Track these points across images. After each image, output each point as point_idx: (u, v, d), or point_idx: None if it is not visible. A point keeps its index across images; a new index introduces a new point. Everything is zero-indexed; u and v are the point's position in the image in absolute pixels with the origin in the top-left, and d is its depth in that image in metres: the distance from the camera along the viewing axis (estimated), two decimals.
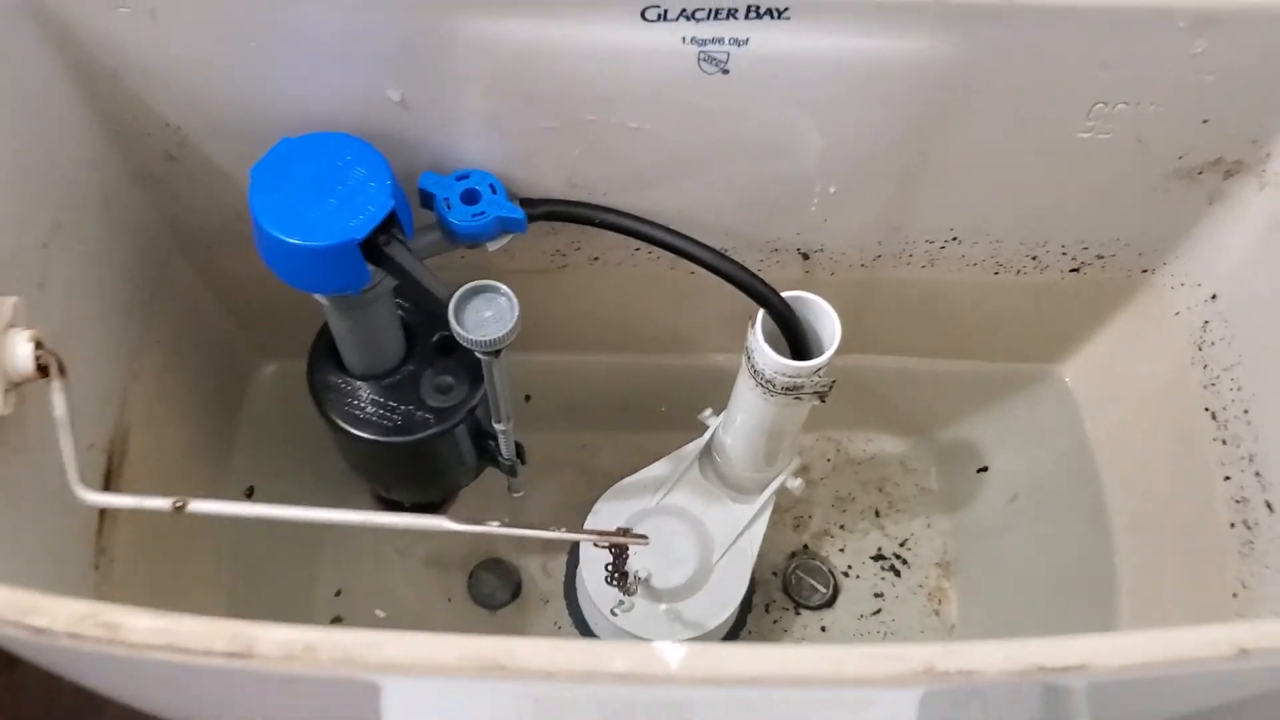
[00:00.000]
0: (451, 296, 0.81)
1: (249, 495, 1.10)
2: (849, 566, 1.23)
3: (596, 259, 1.00)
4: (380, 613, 1.17)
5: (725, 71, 0.80)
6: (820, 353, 0.90)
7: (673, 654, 0.50)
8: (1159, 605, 1.01)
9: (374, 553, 1.20)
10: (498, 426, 0.95)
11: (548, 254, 0.99)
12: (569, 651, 0.50)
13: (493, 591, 1.20)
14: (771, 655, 0.50)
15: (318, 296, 0.85)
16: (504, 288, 0.81)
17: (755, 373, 0.92)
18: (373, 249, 0.79)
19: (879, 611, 1.21)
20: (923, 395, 1.22)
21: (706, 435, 1.09)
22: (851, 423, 1.27)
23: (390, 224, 0.80)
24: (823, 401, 0.93)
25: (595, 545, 0.85)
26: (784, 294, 0.89)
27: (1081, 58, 0.80)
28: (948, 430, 1.25)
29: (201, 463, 1.04)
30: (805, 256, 0.99)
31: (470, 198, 0.87)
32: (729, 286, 0.87)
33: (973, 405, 1.22)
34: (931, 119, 0.84)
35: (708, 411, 1.09)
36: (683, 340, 1.14)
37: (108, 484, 0.87)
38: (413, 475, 1.04)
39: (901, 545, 1.24)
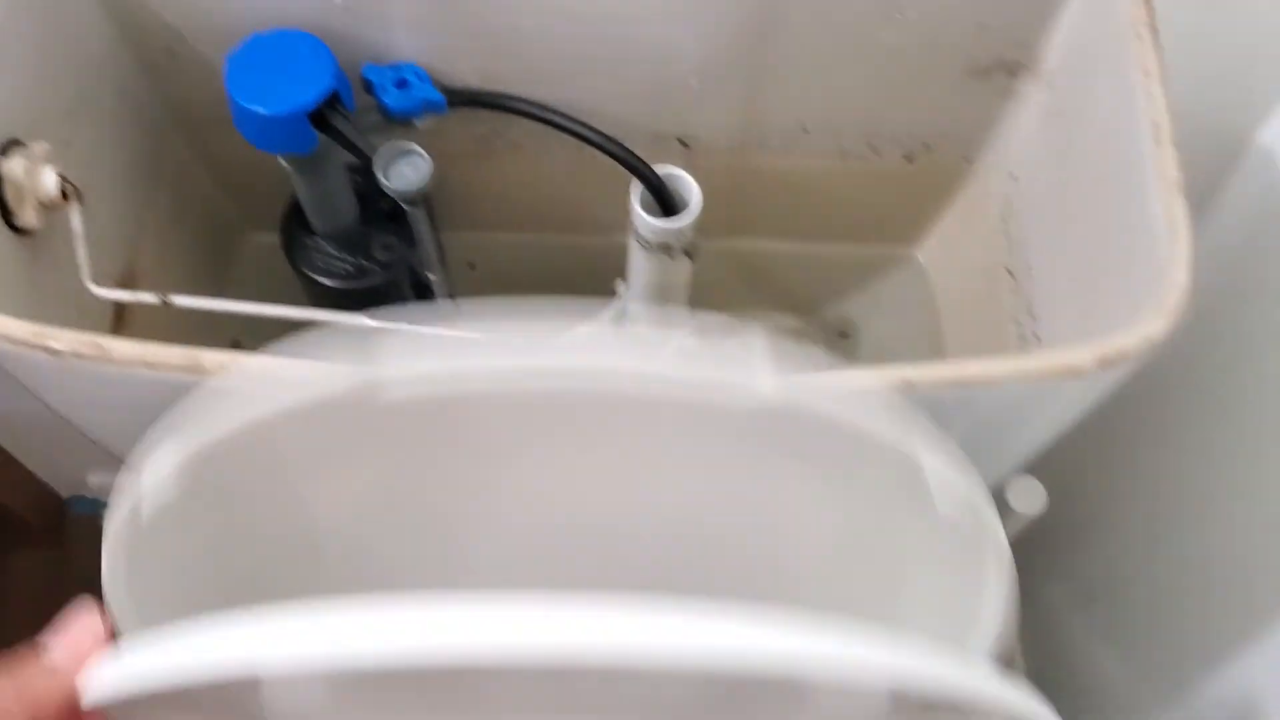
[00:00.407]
0: (378, 156, 1.05)
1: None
2: None
3: (518, 145, 1.22)
4: None
5: None
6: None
7: None
8: None
9: None
10: (429, 275, 1.19)
11: (474, 139, 1.19)
12: None
13: None
14: None
15: (281, 161, 1.09)
16: (420, 150, 1.05)
17: (637, 235, 1.15)
18: (318, 117, 1.03)
19: None
20: (805, 275, 1.30)
21: (619, 295, 1.32)
22: (751, 303, 1.48)
23: (333, 100, 1.04)
24: (691, 259, 1.16)
25: None
26: (655, 167, 1.11)
27: None
28: (833, 308, 1.46)
29: (195, 312, 1.28)
30: (685, 145, 1.17)
31: (401, 84, 1.11)
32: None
33: (848, 285, 1.31)
34: (767, 17, 0.98)
35: (619, 281, 1.32)
36: (605, 223, 1.35)
37: (118, 315, 1.12)
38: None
39: None
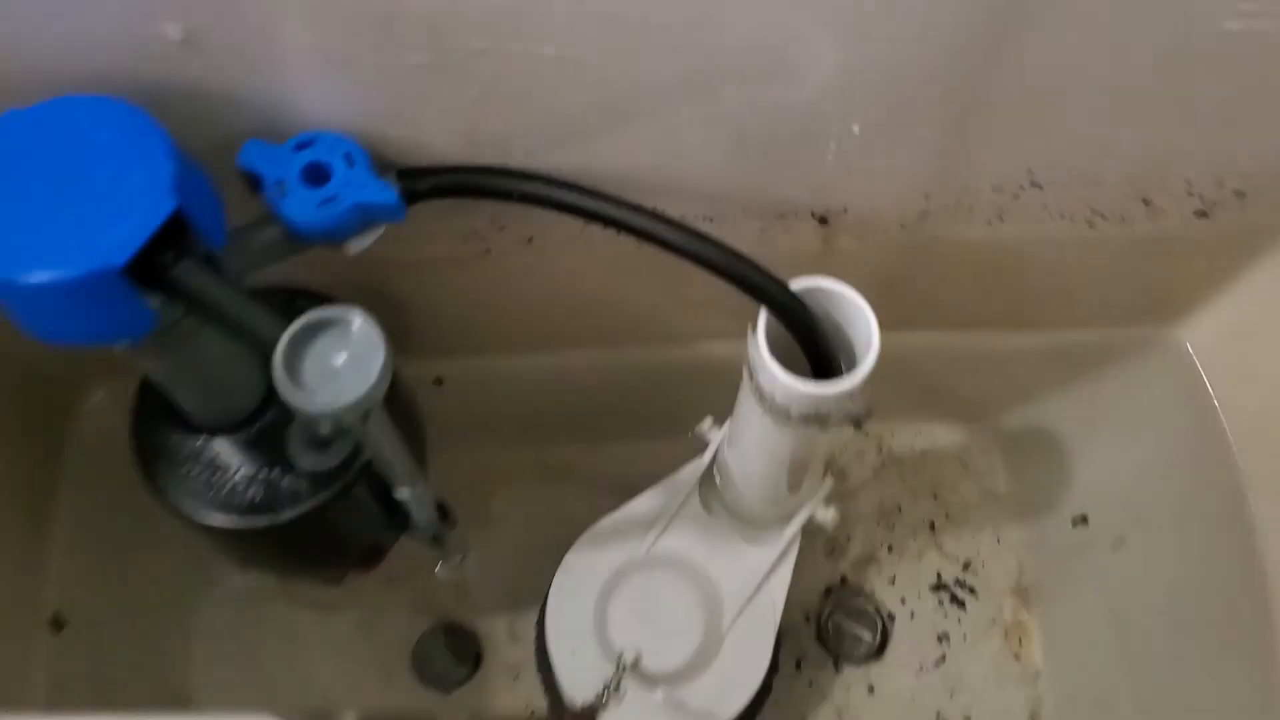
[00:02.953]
0: (280, 337, 0.52)
1: (56, 628, 0.83)
2: (902, 601, 0.95)
3: (530, 240, 0.72)
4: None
5: None
6: (849, 364, 0.65)
7: None
8: None
9: (287, 624, 0.92)
10: (400, 494, 0.67)
11: (459, 238, 0.72)
12: None
13: (445, 669, 0.93)
14: None
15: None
16: (359, 315, 0.53)
17: (762, 397, 0.64)
18: (149, 273, 0.51)
19: (942, 660, 0.94)
20: (983, 374, 0.96)
21: (707, 455, 0.85)
22: (894, 412, 1.00)
23: (176, 233, 0.51)
24: (858, 428, 0.65)
25: None
26: (795, 283, 0.62)
27: None
28: (1018, 415, 0.99)
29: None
30: (823, 221, 0.71)
31: (316, 175, 0.58)
32: None
33: (1051, 383, 0.96)
34: (1008, 16, 0.57)
35: (707, 422, 0.84)
36: (665, 327, 0.86)
37: None
38: (294, 560, 0.77)
39: (966, 569, 0.97)
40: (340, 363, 0.54)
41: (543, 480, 1.00)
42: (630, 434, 1.00)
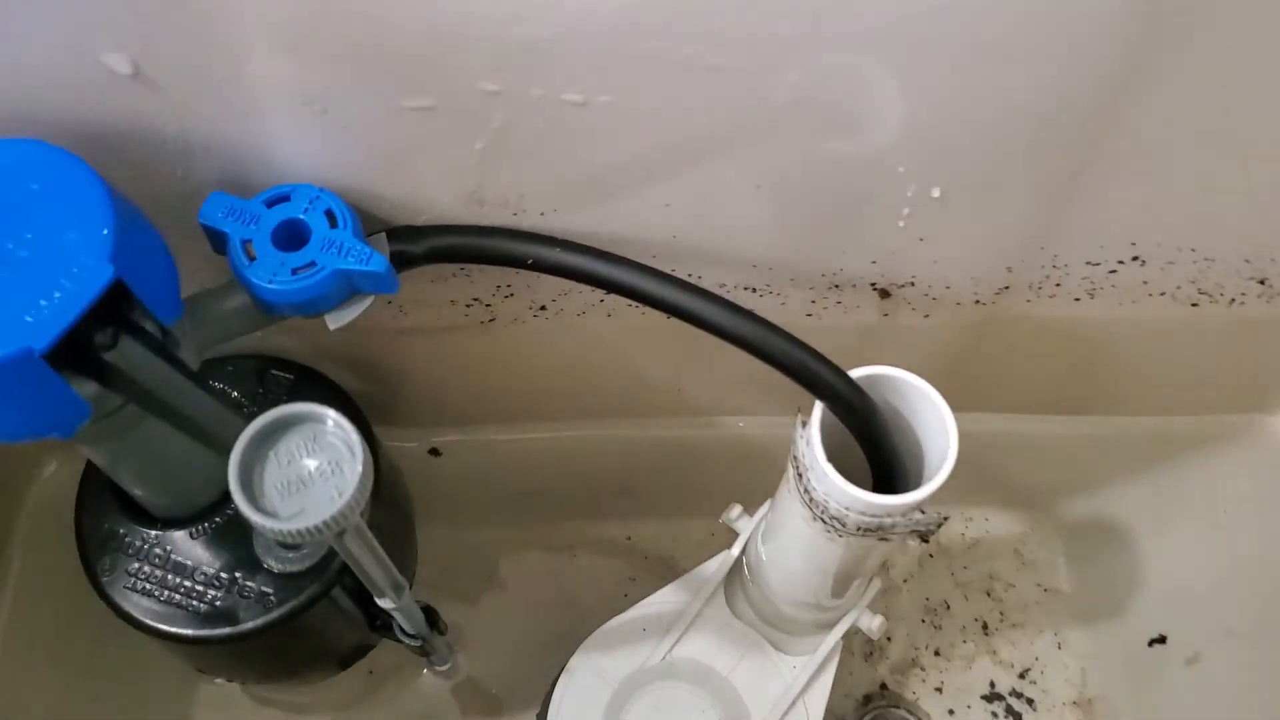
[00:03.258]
0: (237, 438, 0.42)
1: None
2: (949, 712, 0.85)
3: (543, 308, 0.63)
4: None
5: None
6: (919, 466, 0.57)
7: None
8: None
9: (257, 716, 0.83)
10: (383, 604, 0.57)
11: (459, 305, 0.62)
12: None
13: None
14: None
15: None
16: (333, 415, 0.43)
17: (812, 501, 0.55)
18: (81, 357, 0.41)
19: None
20: (1048, 460, 0.87)
21: (735, 549, 0.74)
22: (945, 496, 0.88)
23: (116, 307, 0.42)
24: (925, 541, 0.56)
25: None
26: (856, 372, 0.53)
27: None
28: (1081, 504, 0.89)
29: None
30: (885, 294, 0.61)
31: (292, 237, 0.49)
32: None
33: (1121, 471, 0.86)
34: (1121, 70, 0.48)
35: (735, 510, 0.74)
36: (690, 403, 0.77)
37: None
38: (259, 671, 0.67)
39: (1023, 677, 0.87)
40: (310, 470, 0.44)
41: (546, 563, 0.91)
42: (646, 514, 0.91)
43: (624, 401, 0.77)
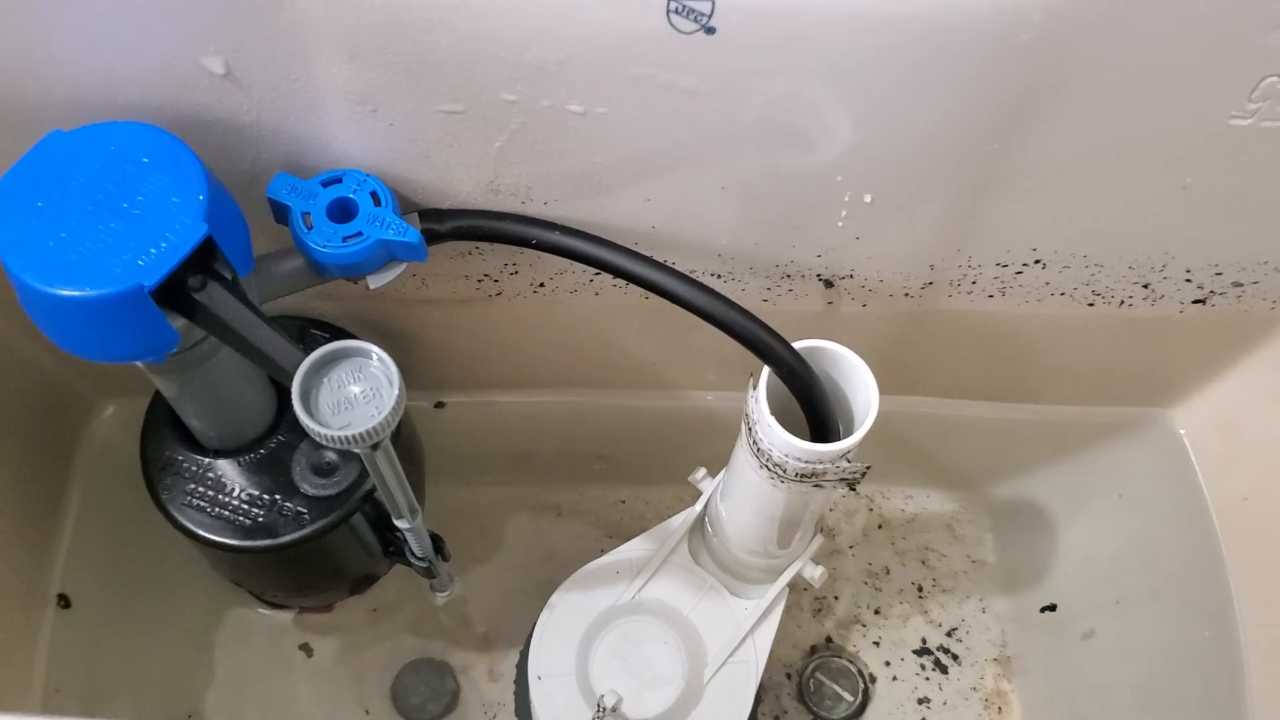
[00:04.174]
0: (298, 366, 0.53)
1: (63, 605, 0.84)
2: (885, 663, 0.96)
3: (542, 285, 0.74)
4: None
5: (709, 30, 0.53)
6: (847, 426, 0.65)
7: None
8: None
9: (271, 646, 0.93)
10: (399, 524, 0.68)
11: (472, 280, 0.73)
12: None
13: (422, 703, 0.93)
14: None
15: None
16: (377, 351, 0.54)
17: (759, 451, 0.66)
18: (178, 296, 0.52)
19: None
20: (977, 444, 0.97)
21: (698, 505, 0.84)
22: (887, 475, 1.01)
23: (205, 258, 0.53)
24: (852, 489, 0.67)
25: None
26: (799, 344, 0.64)
27: (1255, 11, 0.52)
28: (1008, 486, 0.99)
29: (18, 545, 0.78)
30: (829, 284, 0.72)
31: (343, 212, 0.60)
32: None
33: (1042, 456, 0.96)
34: (1021, 101, 0.58)
35: (700, 472, 0.83)
36: (665, 378, 0.87)
37: None
38: (290, 582, 0.78)
39: (950, 635, 0.98)
40: (355, 393, 0.55)
41: (532, 520, 1.01)
42: (622, 479, 1.01)
43: (606, 374, 0.87)
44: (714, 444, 0.82)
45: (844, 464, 0.65)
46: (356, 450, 0.56)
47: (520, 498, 1.01)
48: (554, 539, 1.00)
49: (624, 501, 1.02)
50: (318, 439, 0.54)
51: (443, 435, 0.87)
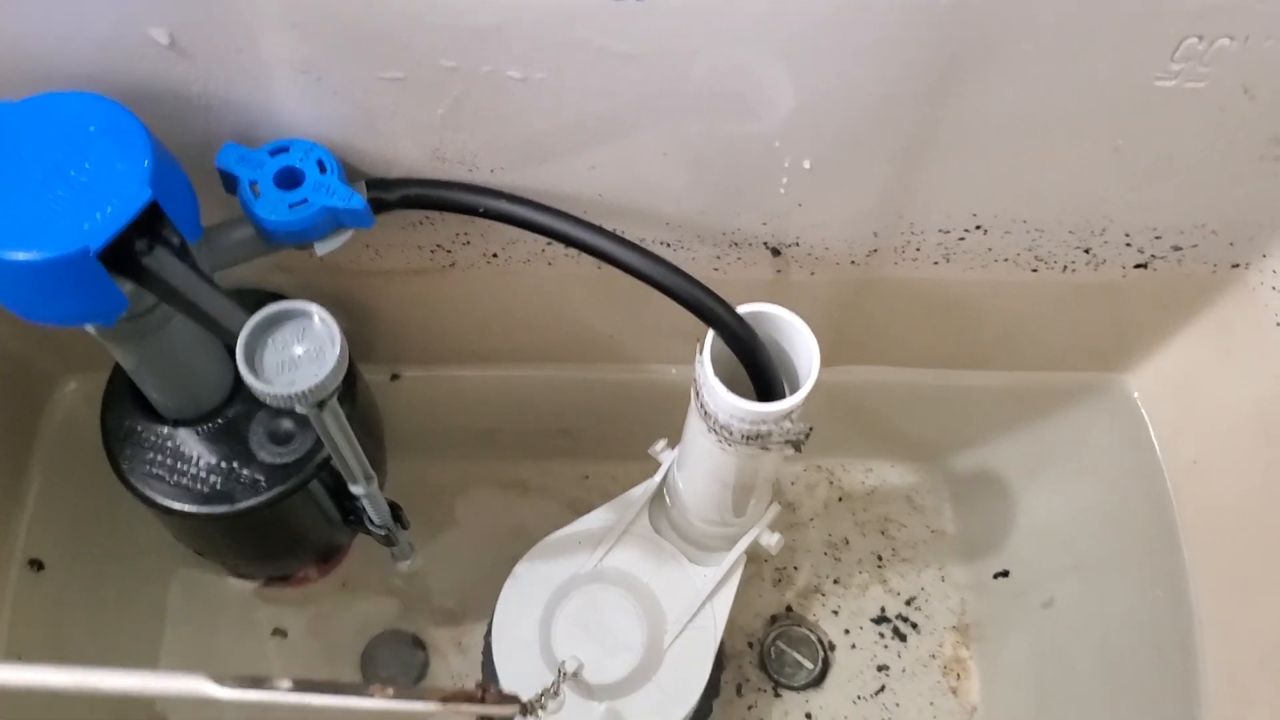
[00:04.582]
0: (241, 327, 0.55)
1: (36, 569, 0.85)
2: (845, 632, 0.97)
3: (495, 255, 0.75)
4: None
5: None
6: (793, 388, 0.67)
7: None
8: (1252, 706, 0.76)
9: (239, 618, 0.94)
10: (354, 489, 0.69)
11: (425, 250, 0.74)
12: None
13: (392, 674, 0.95)
14: None
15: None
16: (319, 311, 0.56)
17: (706, 414, 0.67)
18: (124, 259, 0.54)
19: (881, 690, 0.96)
20: (934, 413, 0.98)
21: (658, 476, 0.86)
22: (846, 448, 1.02)
23: (151, 222, 0.54)
24: (798, 451, 0.68)
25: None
26: (742, 308, 0.65)
27: None
28: (966, 456, 1.01)
29: None
30: (775, 252, 0.73)
31: (290, 179, 0.62)
32: None
33: (999, 425, 0.97)
34: (948, 67, 0.60)
35: (660, 444, 0.85)
36: (624, 350, 0.88)
37: None
38: (250, 550, 0.79)
39: (909, 604, 0.99)
40: (299, 353, 0.56)
41: (498, 496, 1.02)
42: (585, 454, 1.02)
43: (565, 347, 0.88)
44: (675, 417, 0.83)
45: (788, 425, 0.66)
46: (302, 410, 0.58)
47: (485, 473, 1.02)
48: (519, 515, 1.01)
49: (588, 477, 1.03)
50: (263, 398, 0.55)
51: (403, 409, 0.88)
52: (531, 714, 0.63)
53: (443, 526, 1.00)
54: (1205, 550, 0.83)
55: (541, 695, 0.77)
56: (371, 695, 0.50)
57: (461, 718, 0.62)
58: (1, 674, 0.46)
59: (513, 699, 0.54)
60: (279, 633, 0.96)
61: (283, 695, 0.50)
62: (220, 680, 0.49)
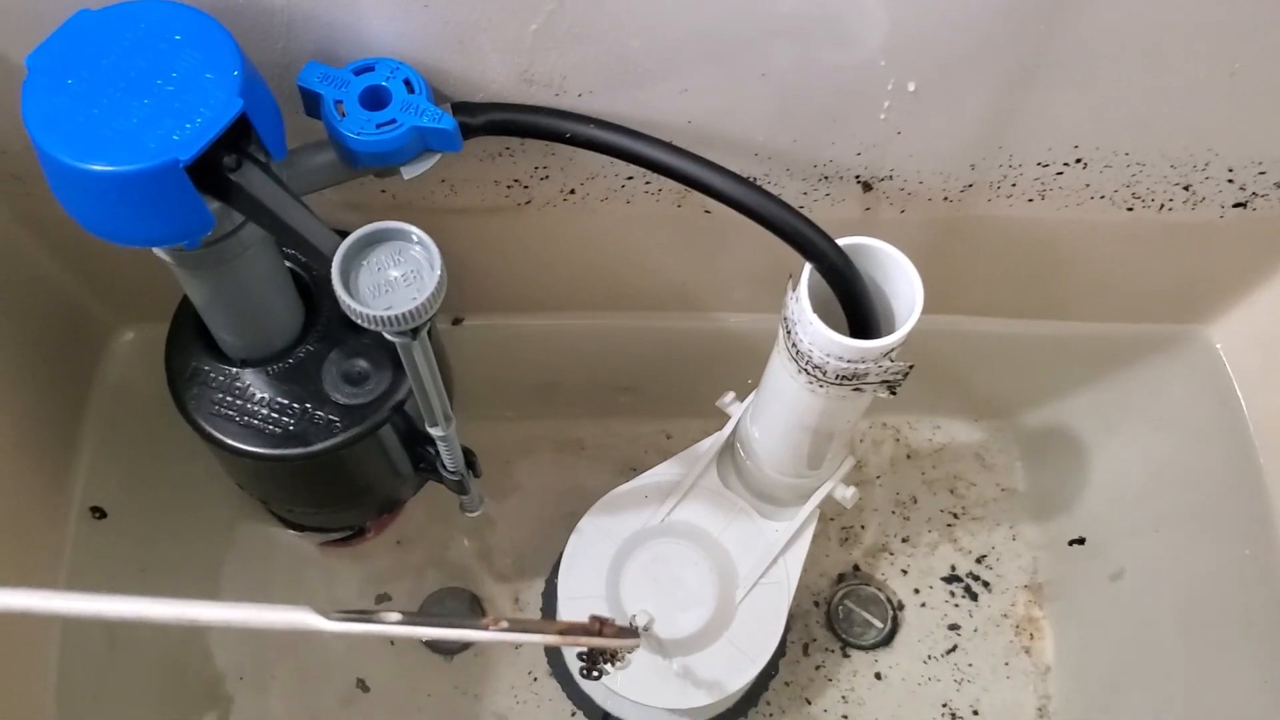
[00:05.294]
0: (336, 249, 0.52)
1: (99, 516, 0.82)
2: (914, 591, 0.95)
3: (572, 192, 0.72)
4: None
5: None
6: (892, 327, 0.63)
7: None
8: None
9: (293, 573, 0.92)
10: (433, 431, 0.67)
11: (502, 185, 0.71)
12: None
13: None
14: None
15: (157, 252, 0.57)
16: (417, 232, 0.53)
17: (798, 354, 0.65)
18: (212, 175, 0.51)
19: (953, 649, 0.93)
20: (1008, 367, 0.95)
21: (727, 428, 0.83)
22: (915, 405, 1.00)
23: (239, 137, 0.52)
24: (893, 394, 0.66)
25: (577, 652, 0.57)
26: (840, 240, 0.62)
27: None
28: (1038, 412, 0.99)
29: (35, 468, 0.76)
30: (867, 187, 0.71)
31: (375, 100, 0.59)
32: (757, 229, 0.61)
33: (1074, 379, 0.95)
34: None
35: (729, 396, 0.83)
36: (693, 298, 0.86)
37: None
38: (318, 497, 0.76)
39: (980, 562, 0.97)
40: (395, 276, 0.54)
41: (556, 455, 1.00)
42: (649, 413, 1.00)
43: (633, 295, 0.86)
44: (741, 370, 0.81)
45: (886, 363, 0.64)
46: (392, 336, 0.55)
47: (543, 432, 1.00)
48: (577, 474, 0.99)
49: (649, 436, 1.01)
50: (359, 320, 0.53)
51: (465, 360, 0.86)
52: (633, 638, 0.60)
53: (500, 485, 0.97)
54: None
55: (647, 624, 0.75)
56: (485, 628, 0.47)
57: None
58: (106, 605, 0.43)
59: (632, 631, 0.52)
60: (333, 590, 0.93)
61: (390, 628, 0.47)
62: (326, 614, 0.46)
